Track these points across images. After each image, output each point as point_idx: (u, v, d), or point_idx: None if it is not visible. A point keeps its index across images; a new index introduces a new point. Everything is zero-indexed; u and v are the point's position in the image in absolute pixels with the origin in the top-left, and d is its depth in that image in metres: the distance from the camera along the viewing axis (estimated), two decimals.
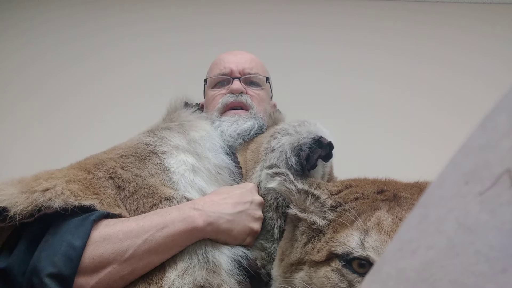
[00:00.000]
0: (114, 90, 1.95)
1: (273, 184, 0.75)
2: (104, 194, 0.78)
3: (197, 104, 1.18)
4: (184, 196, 0.81)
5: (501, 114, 0.25)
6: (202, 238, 0.75)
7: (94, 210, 0.73)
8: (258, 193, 0.85)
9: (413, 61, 2.03)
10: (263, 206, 0.83)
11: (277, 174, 0.75)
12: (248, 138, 1.02)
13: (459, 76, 1.99)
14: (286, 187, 0.74)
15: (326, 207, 0.72)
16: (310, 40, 2.05)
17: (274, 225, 0.82)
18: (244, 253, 0.77)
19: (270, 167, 0.79)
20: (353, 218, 0.66)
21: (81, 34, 2.05)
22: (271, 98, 1.22)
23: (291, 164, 0.81)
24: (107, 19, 2.08)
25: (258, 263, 0.78)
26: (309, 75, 2.00)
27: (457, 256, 0.26)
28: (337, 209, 0.70)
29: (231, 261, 0.75)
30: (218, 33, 2.01)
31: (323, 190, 0.75)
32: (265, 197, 0.84)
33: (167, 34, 2.04)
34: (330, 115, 1.86)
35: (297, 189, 0.74)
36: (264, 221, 0.82)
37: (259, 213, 0.81)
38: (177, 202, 0.79)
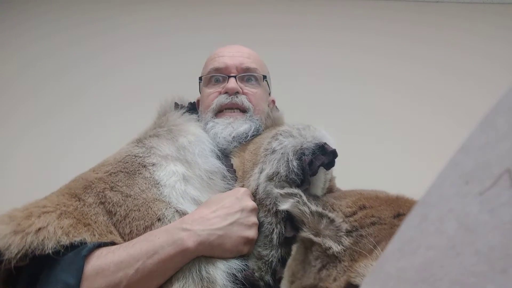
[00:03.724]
0: (118, 92, 1.96)
1: (285, 205, 0.72)
2: (95, 223, 0.77)
3: (190, 103, 1.14)
4: (176, 210, 0.79)
5: (501, 114, 0.25)
6: (195, 257, 0.74)
7: (85, 243, 0.73)
8: (255, 197, 0.82)
9: (414, 62, 2.04)
10: (257, 211, 0.80)
11: (290, 195, 0.72)
12: (244, 141, 0.97)
13: (459, 76, 2.00)
14: (299, 209, 0.71)
15: (342, 231, 0.68)
16: (307, 42, 2.06)
17: (273, 231, 0.78)
18: (240, 265, 0.75)
19: (282, 186, 0.75)
20: (371, 247, 0.63)
21: (84, 36, 2.06)
22: (269, 94, 1.16)
23: (292, 168, 0.78)
24: (111, 20, 2.09)
25: (256, 274, 0.75)
26: (307, 78, 2.01)
27: (457, 256, 0.26)
28: (353, 234, 0.67)
29: (226, 275, 0.73)
30: (220, 36, 2.02)
31: (337, 212, 0.71)
32: (263, 201, 0.80)
33: (171, 37, 2.06)
34: (327, 118, 1.87)
35: (311, 211, 0.70)
36: (262, 225, 0.79)
37: (252, 219, 0.78)
38: (168, 220, 0.78)
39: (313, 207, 0.70)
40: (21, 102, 1.95)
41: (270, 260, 0.76)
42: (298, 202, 0.71)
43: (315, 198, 0.75)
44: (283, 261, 0.76)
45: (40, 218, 0.74)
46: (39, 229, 0.72)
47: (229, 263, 0.75)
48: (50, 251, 0.70)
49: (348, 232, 0.67)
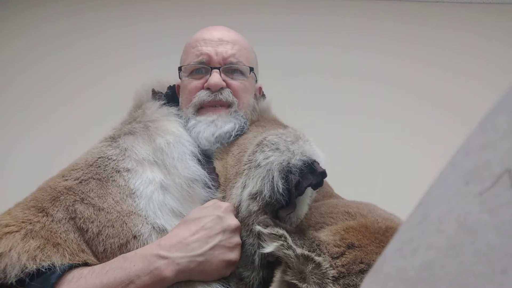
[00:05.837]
0: (117, 92, 1.95)
1: (269, 248, 0.67)
2: (65, 241, 0.72)
3: (170, 87, 1.04)
4: (153, 227, 0.75)
5: (501, 114, 0.25)
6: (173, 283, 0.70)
7: (55, 267, 0.68)
8: (237, 213, 0.76)
9: (414, 62, 2.03)
10: (240, 229, 0.75)
11: (274, 237, 0.67)
12: (227, 143, 0.91)
13: (459, 76, 1.99)
14: (284, 252, 0.66)
15: (328, 278, 0.64)
16: (308, 42, 2.05)
17: (255, 252, 0.73)
18: None
19: (266, 224, 0.68)
20: None
21: (84, 36, 2.05)
22: (256, 81, 1.07)
23: (277, 189, 0.72)
24: (110, 19, 2.08)
25: None
26: (307, 77, 2.00)
27: (457, 256, 0.26)
28: (340, 282, 0.64)
29: None
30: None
31: (324, 254, 0.67)
32: (246, 220, 0.75)
33: (171, 37, 2.05)
34: (327, 117, 1.87)
35: (296, 255, 0.66)
36: (244, 245, 0.74)
37: (235, 240, 0.73)
38: (144, 239, 0.73)
39: (299, 250, 0.65)
40: (20, 102, 1.94)
41: (251, 282, 0.73)
42: (282, 245, 0.66)
43: (300, 236, 0.69)
44: (265, 283, 0.73)
45: (1, 241, 0.68)
46: (0, 255, 0.66)
47: None
48: (14, 280, 0.65)
49: (335, 280, 0.64)
